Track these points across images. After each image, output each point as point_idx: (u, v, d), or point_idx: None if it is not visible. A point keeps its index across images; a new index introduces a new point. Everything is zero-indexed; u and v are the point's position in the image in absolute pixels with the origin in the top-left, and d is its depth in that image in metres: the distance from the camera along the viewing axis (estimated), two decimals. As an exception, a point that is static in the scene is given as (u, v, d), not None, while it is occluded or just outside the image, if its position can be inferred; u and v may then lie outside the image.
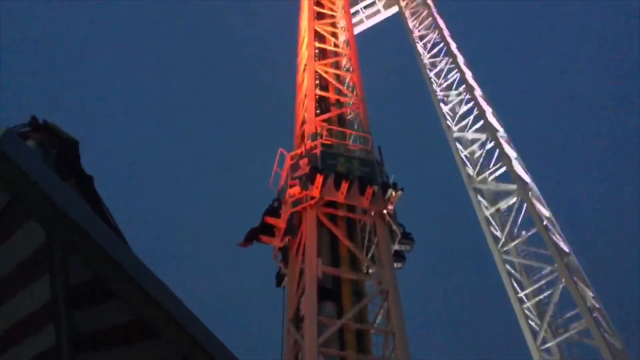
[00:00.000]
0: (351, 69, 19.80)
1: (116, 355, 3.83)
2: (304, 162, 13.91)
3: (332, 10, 22.61)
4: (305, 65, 19.14)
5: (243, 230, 13.92)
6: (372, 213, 13.83)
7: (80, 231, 3.05)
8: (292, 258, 13.64)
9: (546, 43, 72.96)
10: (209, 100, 74.23)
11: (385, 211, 13.75)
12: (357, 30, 29.04)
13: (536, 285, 19.20)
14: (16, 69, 61.50)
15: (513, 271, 19.94)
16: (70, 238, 3.10)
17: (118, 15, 72.64)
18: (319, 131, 15.25)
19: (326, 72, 18.83)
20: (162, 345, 3.48)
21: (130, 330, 3.58)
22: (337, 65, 19.83)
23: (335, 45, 20.92)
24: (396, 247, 13.85)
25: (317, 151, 14.16)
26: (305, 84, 18.04)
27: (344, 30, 22.04)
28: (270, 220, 13.71)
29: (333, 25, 21.86)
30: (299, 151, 14.69)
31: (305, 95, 17.65)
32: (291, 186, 13.58)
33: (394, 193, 13.63)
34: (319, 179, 13.20)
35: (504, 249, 20.14)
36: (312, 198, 13.30)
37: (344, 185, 13.29)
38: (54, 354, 3.64)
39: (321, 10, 22.35)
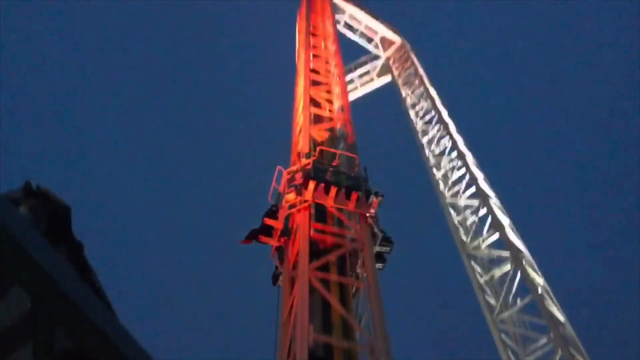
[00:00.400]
0: (346, 133, 20.22)
1: None
2: (299, 175, 16.19)
3: (327, 77, 23.34)
4: (301, 129, 19.56)
5: (242, 233, 15.97)
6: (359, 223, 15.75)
7: (67, 300, 2.99)
8: (282, 323, 13.37)
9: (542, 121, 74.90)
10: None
11: (368, 215, 15.78)
12: (351, 96, 29.85)
13: (532, 357, 18.71)
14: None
15: (508, 340, 19.49)
16: (56, 307, 3.03)
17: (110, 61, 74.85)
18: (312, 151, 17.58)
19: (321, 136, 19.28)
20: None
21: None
22: (332, 130, 20.26)
23: (330, 111, 21.44)
24: (377, 249, 15.58)
25: (310, 166, 16.37)
26: (301, 144, 18.51)
27: (339, 96, 22.65)
28: (269, 221, 15.59)
29: (328, 92, 22.49)
30: (294, 168, 16.93)
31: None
32: (287, 193, 15.75)
33: (375, 199, 15.96)
34: (312, 184, 15.51)
35: (499, 317, 19.78)
36: (306, 201, 15.38)
37: (333, 190, 15.58)
38: None
39: (317, 77, 23.08)
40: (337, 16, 32.89)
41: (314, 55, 24.54)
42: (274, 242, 15.60)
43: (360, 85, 34.11)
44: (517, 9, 75.82)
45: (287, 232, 15.46)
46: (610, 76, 71.12)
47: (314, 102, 21.26)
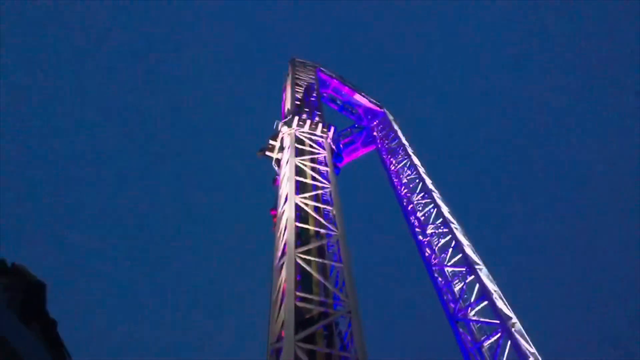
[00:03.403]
0: (331, 202, 20.30)
1: None
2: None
3: (312, 147, 23.74)
4: (287, 196, 19.62)
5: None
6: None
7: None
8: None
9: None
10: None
11: None
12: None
13: None
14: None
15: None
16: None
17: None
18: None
19: (306, 205, 19.26)
20: None
21: None
22: (317, 199, 20.35)
23: (315, 180, 21.65)
24: None
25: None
26: (286, 215, 18.43)
27: (324, 165, 22.97)
28: (272, 141, 23.09)
29: (313, 160, 22.82)
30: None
31: (285, 227, 17.93)
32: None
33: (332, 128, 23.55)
34: (295, 119, 23.17)
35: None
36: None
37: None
38: None
39: (302, 147, 23.48)
40: (321, 90, 34.00)
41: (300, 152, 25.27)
42: (274, 155, 23.19)
43: (345, 155, 34.73)
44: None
45: (281, 148, 22.68)
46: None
47: (299, 170, 21.52)
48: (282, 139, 23.26)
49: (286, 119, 24.08)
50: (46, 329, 3.46)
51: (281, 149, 23.06)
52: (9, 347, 2.63)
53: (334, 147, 23.62)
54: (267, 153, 23.32)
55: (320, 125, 23.74)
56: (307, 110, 26.46)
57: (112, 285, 68.92)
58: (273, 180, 22.96)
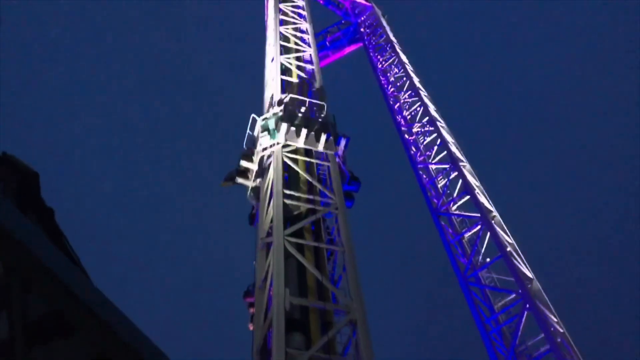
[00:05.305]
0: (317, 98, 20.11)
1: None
2: (271, 121, 16.64)
3: (297, 44, 23.03)
4: (272, 96, 19.42)
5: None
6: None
7: (41, 266, 3.01)
8: (258, 288, 13.57)
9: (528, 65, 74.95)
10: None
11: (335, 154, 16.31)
12: (323, 63, 29.63)
13: (501, 312, 19.47)
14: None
15: (478, 298, 20.21)
16: (29, 273, 3.05)
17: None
18: (283, 98, 18.03)
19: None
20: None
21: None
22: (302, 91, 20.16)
23: (301, 78, 21.24)
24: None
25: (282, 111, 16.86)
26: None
27: (310, 63, 22.43)
28: (245, 164, 16.49)
29: (298, 59, 22.25)
30: (267, 115, 17.34)
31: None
32: (262, 137, 16.47)
33: (343, 140, 16.91)
34: (284, 126, 16.23)
35: (469, 275, 20.44)
36: (278, 143, 16.12)
37: (304, 132, 16.35)
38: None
39: (287, 44, 22.76)
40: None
41: (284, 22, 24.12)
42: (250, 183, 16.41)
43: (332, 52, 33.87)
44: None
45: (261, 172, 16.32)
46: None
47: (284, 69, 21.04)
48: (261, 159, 16.18)
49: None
50: (43, 218, 3.54)
51: (260, 173, 16.23)
52: (6, 231, 2.65)
53: (342, 164, 16.97)
54: (240, 181, 16.42)
55: (323, 137, 16.58)
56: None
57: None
58: (250, 219, 16.56)
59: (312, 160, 16.64)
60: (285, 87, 20.17)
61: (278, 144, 16.15)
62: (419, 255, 60.80)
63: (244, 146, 17.09)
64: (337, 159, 16.58)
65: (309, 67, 21.76)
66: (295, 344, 11.92)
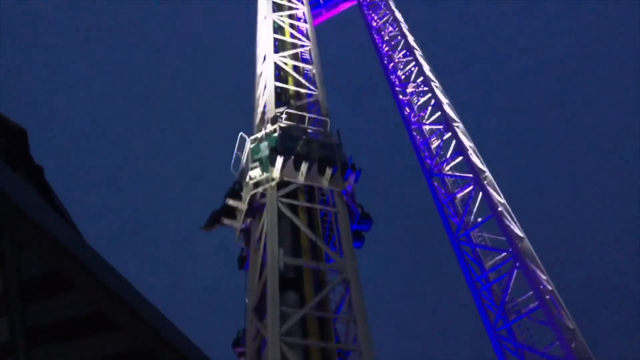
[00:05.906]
0: (311, 61, 19.80)
1: (74, 349, 3.77)
2: (264, 145, 14.26)
3: (290, 2, 22.52)
4: (265, 56, 19.05)
5: (204, 214, 14.30)
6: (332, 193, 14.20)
7: (33, 224, 3.00)
8: (253, 249, 13.66)
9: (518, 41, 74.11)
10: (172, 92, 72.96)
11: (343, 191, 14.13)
12: (316, 21, 29.06)
13: (492, 270, 19.85)
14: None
15: (469, 257, 20.56)
16: (22, 230, 3.04)
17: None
18: (278, 115, 15.48)
19: (285, 64, 18.77)
20: (124, 340, 3.42)
21: (89, 324, 3.51)
22: (296, 57, 19.78)
23: (294, 37, 20.88)
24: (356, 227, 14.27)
25: (277, 134, 14.51)
26: (265, 75, 17.96)
27: (303, 21, 22.01)
28: (232, 202, 13.93)
29: (292, 17, 21.80)
30: (259, 135, 14.89)
31: (265, 86, 17.56)
32: (252, 169, 13.81)
33: (352, 173, 14.03)
34: (279, 160, 13.52)
35: (461, 235, 20.72)
36: (273, 179, 13.61)
37: (304, 166, 13.64)
38: (7, 348, 3.59)
39: (279, 2, 22.25)
40: None
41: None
42: (238, 225, 14.02)
43: (325, 10, 33.14)
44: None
45: (252, 212, 13.84)
46: None
47: (277, 28, 20.64)
48: (251, 197, 13.97)
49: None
50: (32, 175, 3.52)
51: (250, 213, 14.10)
52: (7, 197, 2.62)
53: (351, 202, 14.72)
54: (226, 222, 14.23)
55: (329, 171, 14.21)
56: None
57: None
58: (239, 262, 14.79)
59: (316, 206, 14.01)
60: (279, 47, 19.83)
61: (273, 179, 13.51)
62: (412, 217, 61.39)
63: (231, 168, 14.54)
64: (345, 196, 13.95)
65: (302, 25, 21.36)
66: (290, 302, 12.13)
